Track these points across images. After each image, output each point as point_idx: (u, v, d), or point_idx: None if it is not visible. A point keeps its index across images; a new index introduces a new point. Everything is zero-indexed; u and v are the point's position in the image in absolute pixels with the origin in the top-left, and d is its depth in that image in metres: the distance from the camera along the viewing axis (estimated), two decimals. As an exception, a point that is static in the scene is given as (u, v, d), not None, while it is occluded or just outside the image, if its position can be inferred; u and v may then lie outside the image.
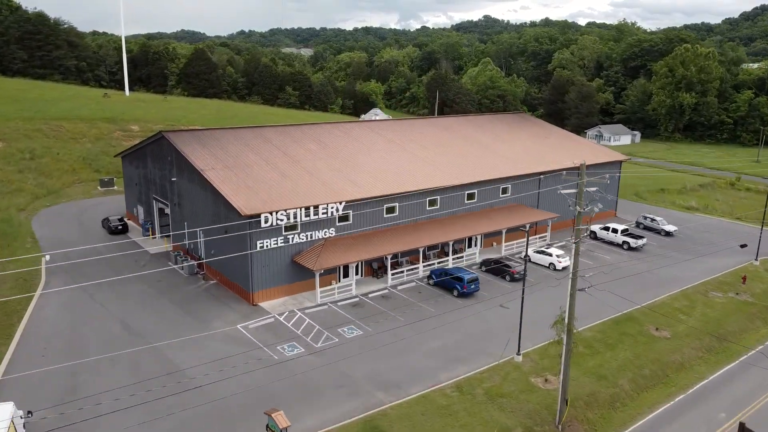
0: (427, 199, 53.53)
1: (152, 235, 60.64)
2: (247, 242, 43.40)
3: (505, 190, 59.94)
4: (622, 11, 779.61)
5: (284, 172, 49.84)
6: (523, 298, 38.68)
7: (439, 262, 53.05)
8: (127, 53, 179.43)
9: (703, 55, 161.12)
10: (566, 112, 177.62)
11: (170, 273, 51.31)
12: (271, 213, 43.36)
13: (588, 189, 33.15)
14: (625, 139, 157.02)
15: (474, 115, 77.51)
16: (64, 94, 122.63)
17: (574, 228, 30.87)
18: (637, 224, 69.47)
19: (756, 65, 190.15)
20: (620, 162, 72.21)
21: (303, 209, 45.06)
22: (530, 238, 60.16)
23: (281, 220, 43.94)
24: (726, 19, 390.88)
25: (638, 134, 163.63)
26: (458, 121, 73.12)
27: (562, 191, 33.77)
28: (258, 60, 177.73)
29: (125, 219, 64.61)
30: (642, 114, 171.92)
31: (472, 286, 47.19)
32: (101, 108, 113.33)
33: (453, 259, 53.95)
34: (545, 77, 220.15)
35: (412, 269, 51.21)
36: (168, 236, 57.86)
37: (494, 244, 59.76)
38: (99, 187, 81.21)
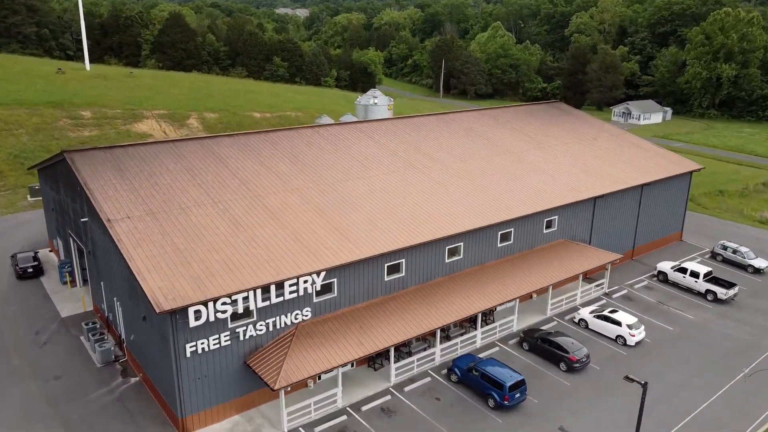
0: (447, 248, 37.54)
1: (70, 284, 44.87)
2: (171, 347, 27.68)
3: (550, 223, 43.86)
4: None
5: (238, 218, 33.69)
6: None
7: (462, 341, 37.37)
8: (96, 18, 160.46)
9: (745, 21, 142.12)
10: (587, 85, 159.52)
11: (79, 357, 35.77)
12: (206, 303, 27.49)
13: None
14: (656, 117, 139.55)
15: (498, 109, 60.75)
16: (9, 71, 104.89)
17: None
18: (714, 255, 53.55)
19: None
20: (690, 172, 55.65)
21: (260, 290, 29.17)
22: (582, 285, 44.40)
23: (224, 311, 28.12)
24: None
25: (669, 111, 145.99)
26: (479, 118, 56.37)
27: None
28: (242, 26, 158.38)
29: (40, 256, 48.76)
30: (673, 87, 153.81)
31: (517, 395, 31.65)
32: (51, 88, 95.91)
33: (482, 333, 38.28)
34: (561, 43, 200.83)
35: (425, 357, 35.61)
36: (88, 285, 42.27)
37: (534, 295, 44.08)
38: (29, 197, 65.07)
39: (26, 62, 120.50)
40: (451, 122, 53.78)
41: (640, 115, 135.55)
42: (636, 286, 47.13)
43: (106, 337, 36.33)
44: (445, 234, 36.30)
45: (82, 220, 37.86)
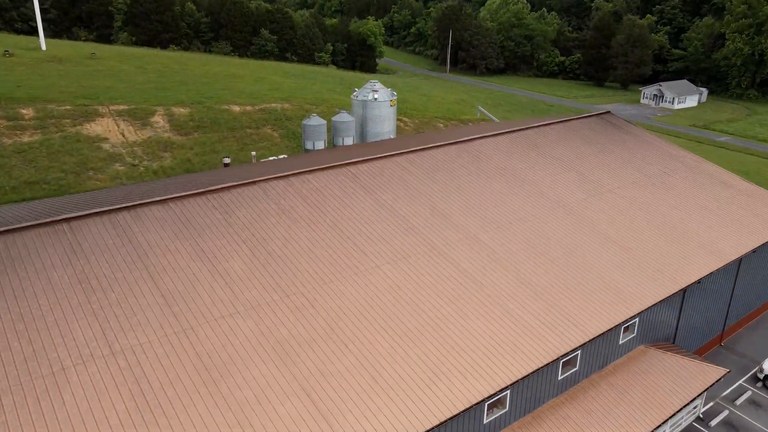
0: (487, 404, 24.26)
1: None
2: None
3: (628, 328, 30.46)
4: None
5: (146, 385, 20.29)
6: None
7: None
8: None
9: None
10: (611, 60, 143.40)
11: None
12: None
13: None
14: (691, 100, 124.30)
15: (536, 129, 46.34)
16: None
17: None
18: (827, 337, 40.31)
19: None
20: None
21: None
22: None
23: None
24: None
25: (705, 91, 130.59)
26: (513, 148, 42.26)
27: None
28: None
29: None
30: (707, 63, 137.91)
31: None
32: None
33: None
34: (577, 9, 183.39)
35: None
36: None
37: (601, 426, 30.98)
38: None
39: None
40: (478, 156, 39.72)
41: (674, 98, 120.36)
42: (738, 402, 33.99)
43: None
44: (488, 393, 22.97)
45: None
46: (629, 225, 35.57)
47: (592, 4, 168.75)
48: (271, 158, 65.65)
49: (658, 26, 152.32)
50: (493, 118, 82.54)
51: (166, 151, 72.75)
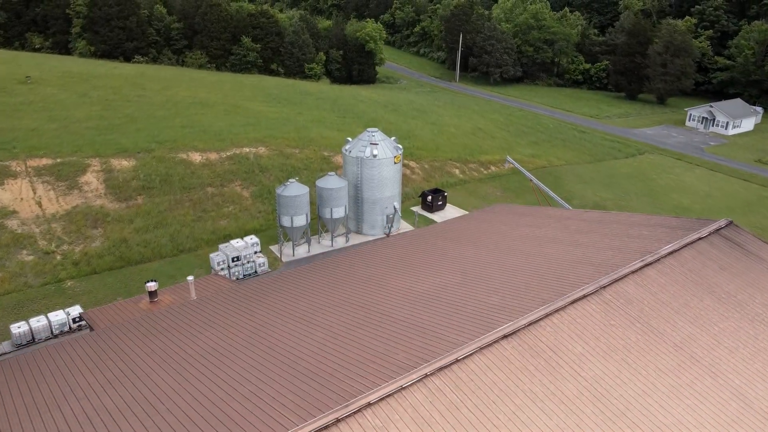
0: None
1: None
2: None
3: None
4: None
5: None
6: None
7: None
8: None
9: None
10: (646, 71, 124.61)
11: None
12: None
13: None
14: (747, 123, 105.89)
15: (634, 274, 28.58)
16: None
17: None
18: None
19: None
20: None
21: None
22: None
23: None
24: None
25: (760, 112, 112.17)
26: (603, 321, 24.55)
27: None
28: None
29: None
30: (759, 75, 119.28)
31: None
32: None
33: None
34: (600, 5, 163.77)
35: None
36: None
37: None
38: None
39: None
40: (550, 362, 21.90)
41: (728, 122, 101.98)
42: None
43: None
44: None
45: None
46: None
47: (620, 1, 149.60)
48: (233, 243, 47.98)
49: (698, 30, 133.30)
50: (530, 175, 64.31)
51: (96, 227, 54.93)
